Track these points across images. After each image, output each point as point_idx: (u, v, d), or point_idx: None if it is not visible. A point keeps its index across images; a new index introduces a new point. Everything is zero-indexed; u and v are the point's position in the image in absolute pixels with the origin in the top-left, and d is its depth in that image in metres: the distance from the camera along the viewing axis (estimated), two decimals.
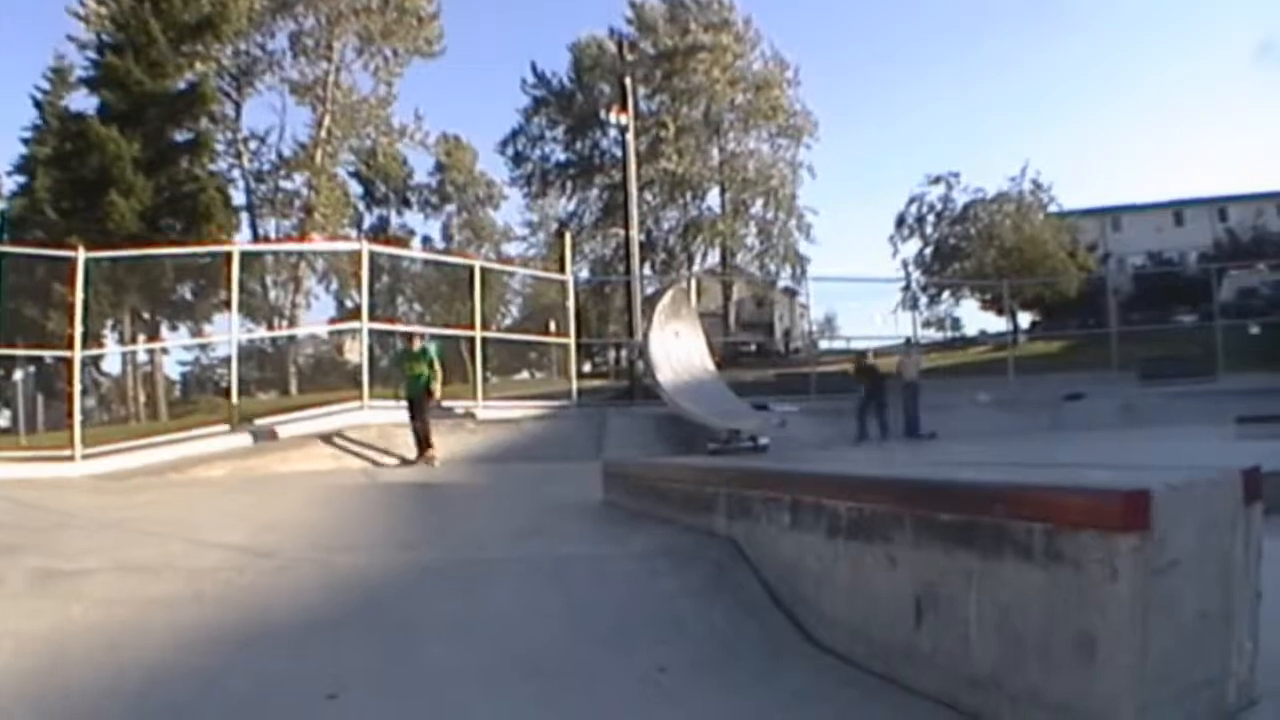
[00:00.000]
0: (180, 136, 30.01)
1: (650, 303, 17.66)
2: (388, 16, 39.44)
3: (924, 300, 36.26)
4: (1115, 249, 44.77)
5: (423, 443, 12.14)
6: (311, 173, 39.28)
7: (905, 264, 38.57)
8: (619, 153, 24.68)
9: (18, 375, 24.69)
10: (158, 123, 28.68)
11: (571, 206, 46.65)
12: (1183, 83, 79.45)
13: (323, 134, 39.58)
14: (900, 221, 40.00)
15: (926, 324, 35.91)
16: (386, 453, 12.48)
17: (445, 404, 13.36)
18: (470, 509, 7.66)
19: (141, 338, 28.44)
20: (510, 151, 46.02)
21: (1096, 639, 2.33)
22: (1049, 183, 37.68)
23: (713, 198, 44.92)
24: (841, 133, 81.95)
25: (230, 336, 15.15)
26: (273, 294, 38.51)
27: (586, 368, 32.37)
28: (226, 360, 16.78)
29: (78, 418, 11.93)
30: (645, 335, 16.00)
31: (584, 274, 41.27)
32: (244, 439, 12.53)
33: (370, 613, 3.82)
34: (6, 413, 26.17)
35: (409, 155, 44.48)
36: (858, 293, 48.02)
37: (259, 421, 13.45)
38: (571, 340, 17.43)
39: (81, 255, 11.98)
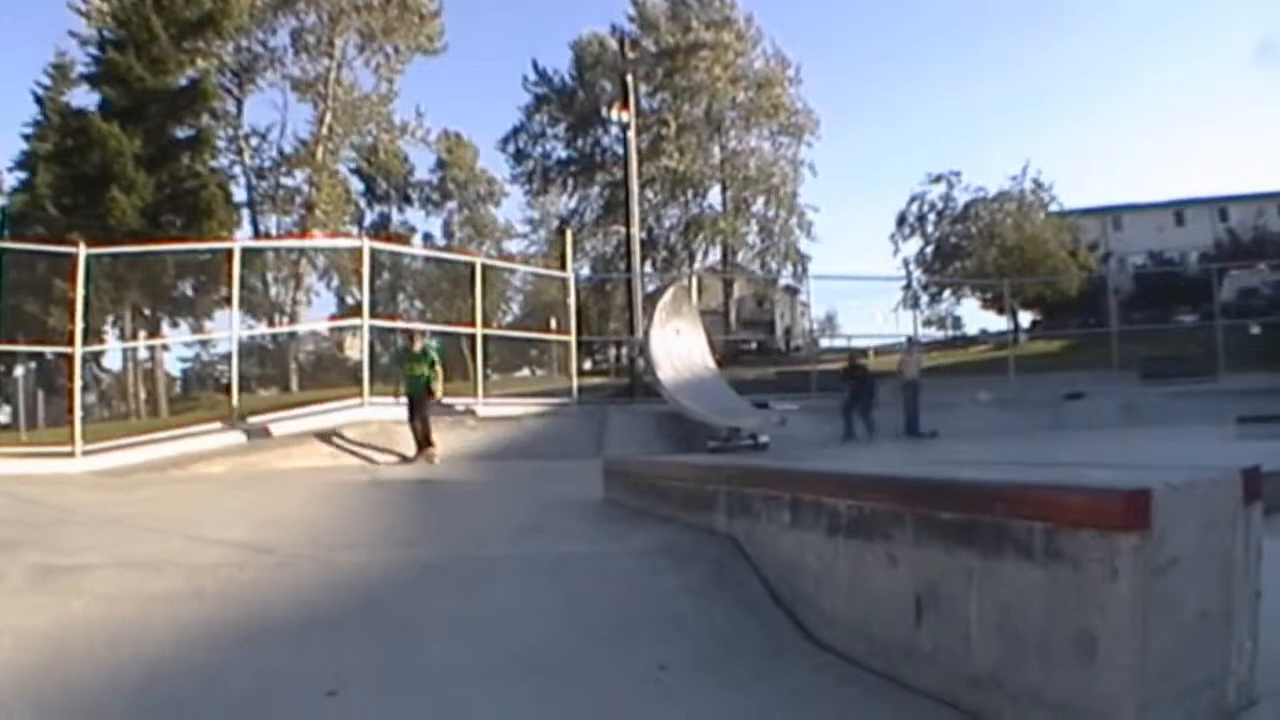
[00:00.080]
0: (181, 133, 29.97)
1: (651, 300, 17.67)
2: (389, 13, 39.39)
3: (925, 299, 36.29)
4: (1116, 248, 44.76)
5: (423, 440, 12.13)
6: (313, 169, 39.26)
7: (906, 262, 38.60)
8: (620, 150, 24.67)
9: (19, 371, 24.68)
10: (159, 119, 28.65)
11: (573, 204, 46.78)
12: (1183, 82, 79.41)
13: (324, 131, 39.54)
14: (901, 220, 40.00)
15: (927, 323, 35.97)
16: (387, 450, 12.49)
17: (445, 401, 13.35)
18: (470, 506, 7.67)
19: (142, 334, 28.42)
20: (511, 149, 46.13)
21: (1097, 638, 2.33)
22: (1050, 182, 37.71)
23: (714, 195, 45.02)
24: (843, 131, 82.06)
25: (231, 333, 15.15)
26: (274, 291, 38.50)
27: (587, 365, 32.37)
28: (227, 357, 16.80)
29: (78, 414, 11.92)
30: (646, 333, 15.99)
31: (585, 271, 41.30)
32: (245, 435, 12.54)
33: (370, 610, 3.82)
34: (7, 409, 26.17)
35: (410, 152, 44.51)
36: (859, 291, 47.98)
37: (260, 418, 13.45)
38: (572, 338, 17.43)
39: (82, 251, 11.98)
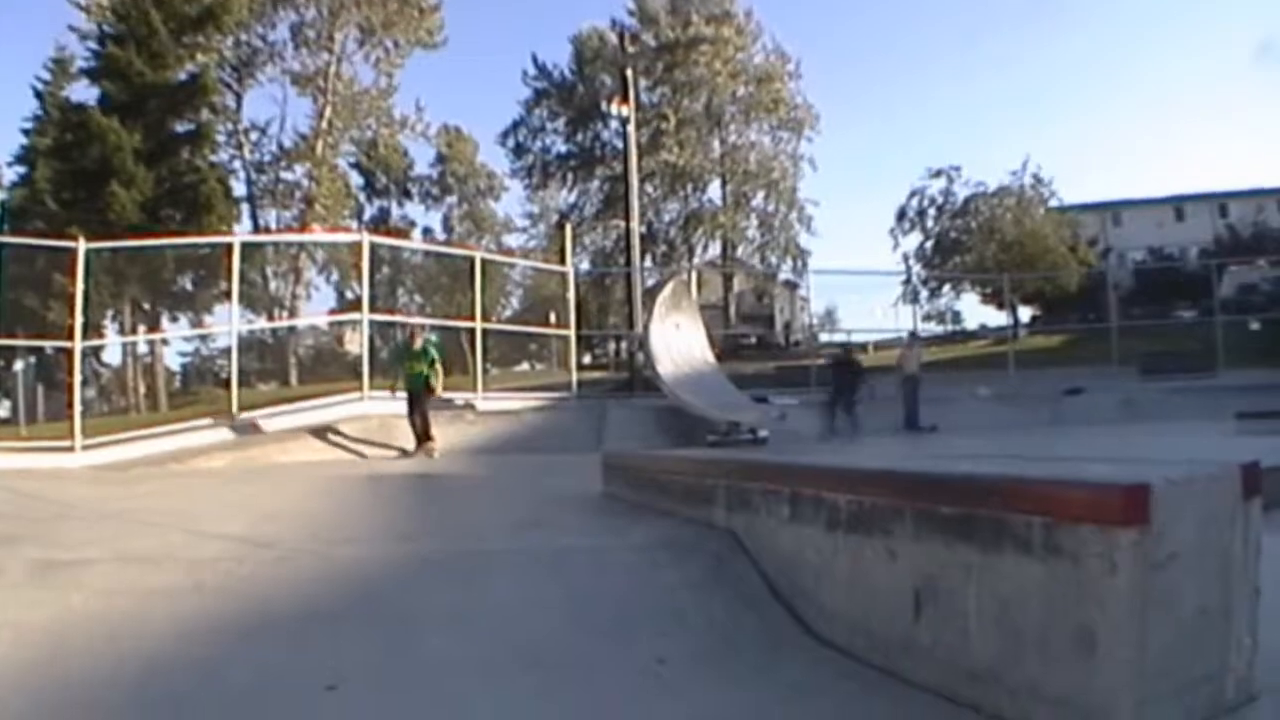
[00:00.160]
0: (181, 127, 29.97)
1: (651, 295, 17.67)
2: (389, 7, 39.37)
3: (924, 294, 36.36)
4: (1116, 244, 44.80)
5: (422, 435, 12.15)
6: (312, 164, 39.26)
7: (906, 257, 38.71)
8: (620, 144, 24.65)
9: (18, 366, 24.72)
10: (159, 114, 28.65)
11: (572, 198, 46.81)
12: (1183, 80, 79.57)
13: (323, 125, 39.53)
14: (901, 215, 40.05)
15: (927, 317, 36.01)
16: (386, 444, 12.48)
17: (445, 395, 13.36)
18: (470, 500, 7.67)
19: (142, 328, 28.42)
20: (511, 143, 46.16)
21: (1096, 633, 2.33)
22: (1050, 177, 37.76)
23: (714, 190, 45.08)
24: (843, 125, 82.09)
25: (231, 327, 15.15)
26: (273, 285, 38.54)
27: (586, 359, 32.38)
28: (227, 351, 16.80)
29: (78, 408, 11.92)
30: (645, 327, 15.99)
31: (584, 266, 41.39)
32: (244, 430, 12.54)
33: (370, 604, 3.82)
34: (7, 403, 26.18)
35: (410, 146, 44.57)
36: (858, 286, 47.97)
37: (259, 413, 13.44)
38: (572, 332, 17.43)
39: (82, 246, 11.97)
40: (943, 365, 22.68)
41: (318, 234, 36.87)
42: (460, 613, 3.70)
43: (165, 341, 30.71)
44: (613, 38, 38.57)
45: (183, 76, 30.02)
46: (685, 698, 3.04)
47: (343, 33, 39.52)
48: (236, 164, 37.59)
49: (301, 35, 39.28)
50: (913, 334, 20.11)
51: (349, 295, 37.95)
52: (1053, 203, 37.44)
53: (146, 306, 28.91)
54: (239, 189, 35.90)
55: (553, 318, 21.47)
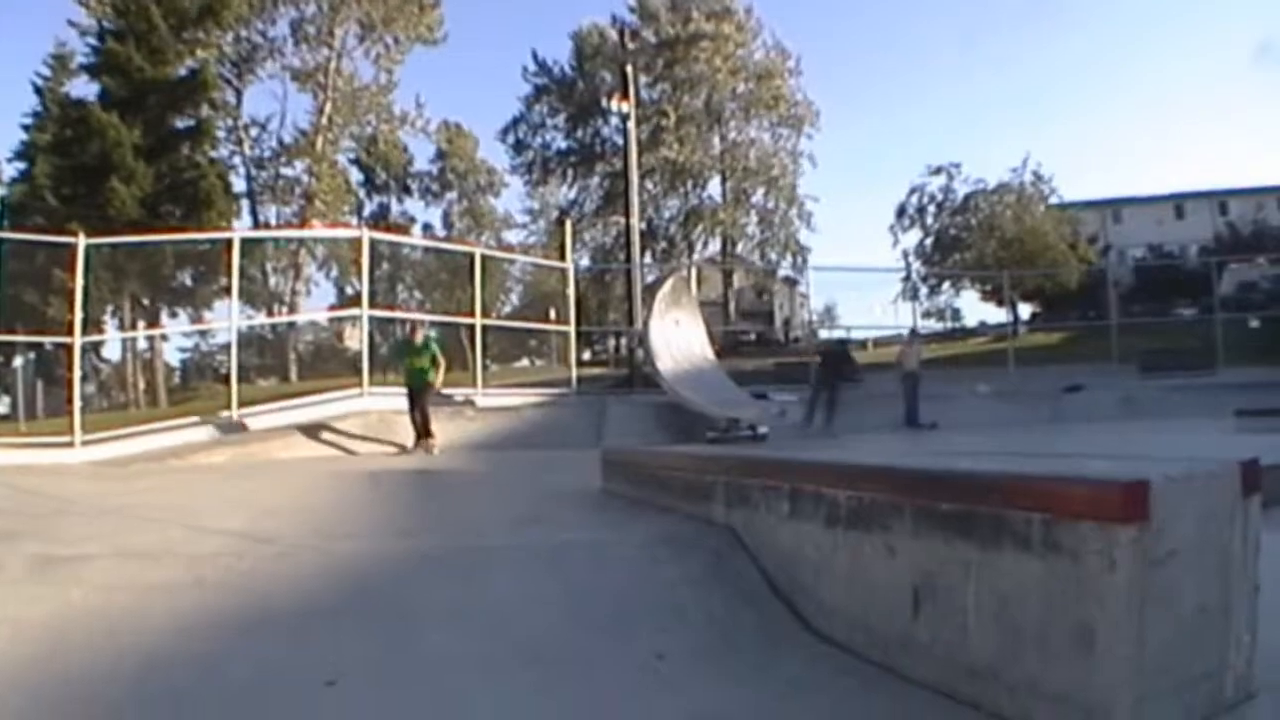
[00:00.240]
0: (181, 123, 29.90)
1: (651, 291, 17.66)
2: (389, 3, 39.33)
3: (924, 291, 36.28)
4: (1116, 241, 44.77)
5: (423, 431, 12.13)
6: (312, 160, 39.23)
7: (906, 254, 38.60)
8: (620, 141, 24.66)
9: (18, 361, 24.70)
10: (158, 109, 28.60)
11: (572, 194, 46.74)
12: (1182, 79, 79.71)
13: (323, 121, 39.50)
14: (901, 212, 39.92)
15: (926, 314, 35.89)
16: (386, 440, 12.48)
17: (445, 391, 13.35)
18: (469, 496, 7.67)
19: (141, 324, 28.40)
20: (511, 139, 46.07)
21: (1095, 630, 2.33)
22: (1050, 174, 37.64)
23: (713, 187, 45.01)
24: (843, 122, 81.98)
25: (230, 323, 15.15)
26: (273, 281, 38.54)
27: (586, 356, 32.36)
28: (226, 347, 16.76)
29: (77, 404, 11.93)
30: (645, 323, 15.99)
31: (584, 262, 41.34)
32: (244, 425, 12.54)
33: (369, 599, 3.82)
34: (6, 399, 26.18)
35: (410, 142, 44.47)
36: (858, 282, 47.80)
37: (259, 408, 13.44)
38: (571, 328, 17.42)
39: (82, 241, 11.96)
40: (943, 362, 22.70)
41: (318, 230, 36.88)
42: (460, 608, 3.70)
43: (165, 337, 30.78)
44: (613, 34, 38.51)
45: (183, 72, 29.95)
46: (684, 693, 3.04)
47: (343, 28, 39.49)
48: (236, 160, 37.62)
49: (301, 31, 39.24)
50: (913, 331, 20.10)
51: (349, 291, 37.97)
52: (1053, 200, 37.35)
53: (146, 302, 28.88)
54: (239, 185, 35.92)
55: (553, 314, 21.45)
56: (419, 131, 44.35)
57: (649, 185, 41.56)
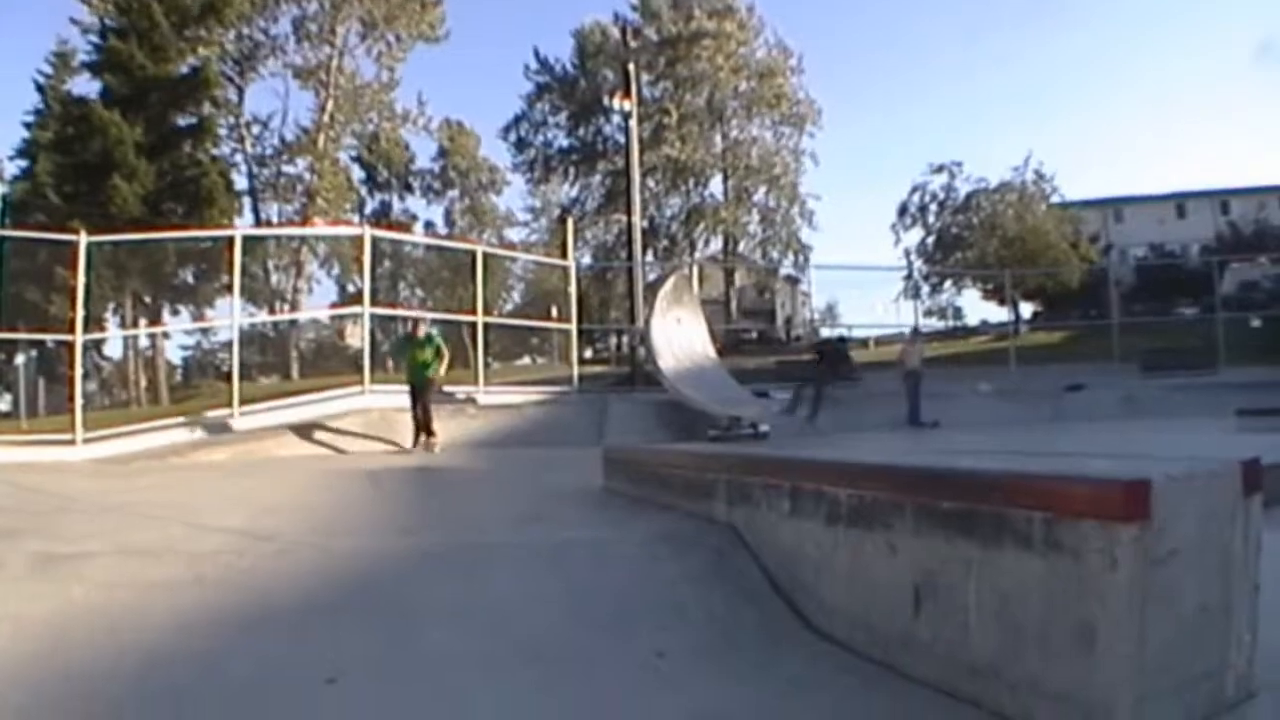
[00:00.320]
0: (183, 121, 29.94)
1: (652, 289, 17.63)
2: (391, 1, 39.26)
3: (926, 289, 36.30)
4: (1117, 240, 44.77)
5: (424, 428, 12.07)
6: (314, 157, 39.21)
7: (907, 253, 38.58)
8: (622, 139, 24.70)
9: (19, 359, 24.71)
10: (160, 107, 28.61)
11: (574, 192, 46.71)
12: (1183, 79, 79.77)
13: (325, 119, 39.46)
14: (903, 210, 39.91)
15: (928, 313, 35.93)
16: (388, 438, 12.48)
17: (446, 389, 13.35)
18: (470, 494, 7.67)
19: (143, 322, 28.43)
20: (513, 137, 46.05)
21: (1096, 629, 2.33)
22: (1051, 173, 37.61)
23: (715, 185, 45.00)
24: (845, 121, 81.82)
25: (232, 321, 15.16)
26: (274, 278, 38.52)
27: (588, 354, 32.39)
28: (228, 345, 16.79)
29: (79, 401, 11.93)
30: (647, 322, 15.97)
31: (586, 260, 41.31)
32: (245, 423, 12.54)
33: (370, 597, 3.82)
34: (8, 397, 26.20)
35: (411, 140, 44.46)
36: (859, 281, 47.78)
37: (260, 406, 13.44)
38: (573, 326, 17.40)
39: (83, 239, 11.96)
40: (944, 361, 22.67)
41: (319, 228, 36.84)
42: (461, 606, 3.70)
43: (166, 335, 30.75)
44: (615, 32, 38.46)
45: (184, 70, 29.96)
46: (685, 692, 3.04)
47: (344, 26, 39.44)
48: (238, 157, 37.60)
49: (303, 29, 39.19)
50: (915, 330, 20.10)
51: (350, 289, 37.96)
52: (1054, 199, 37.32)
53: (148, 300, 28.92)
54: (240, 182, 35.95)
55: (554, 312, 21.44)
56: (421, 129, 44.40)
57: (651, 183, 41.54)
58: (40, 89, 29.54)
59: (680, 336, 15.94)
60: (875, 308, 65.78)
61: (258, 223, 37.54)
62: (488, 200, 48.21)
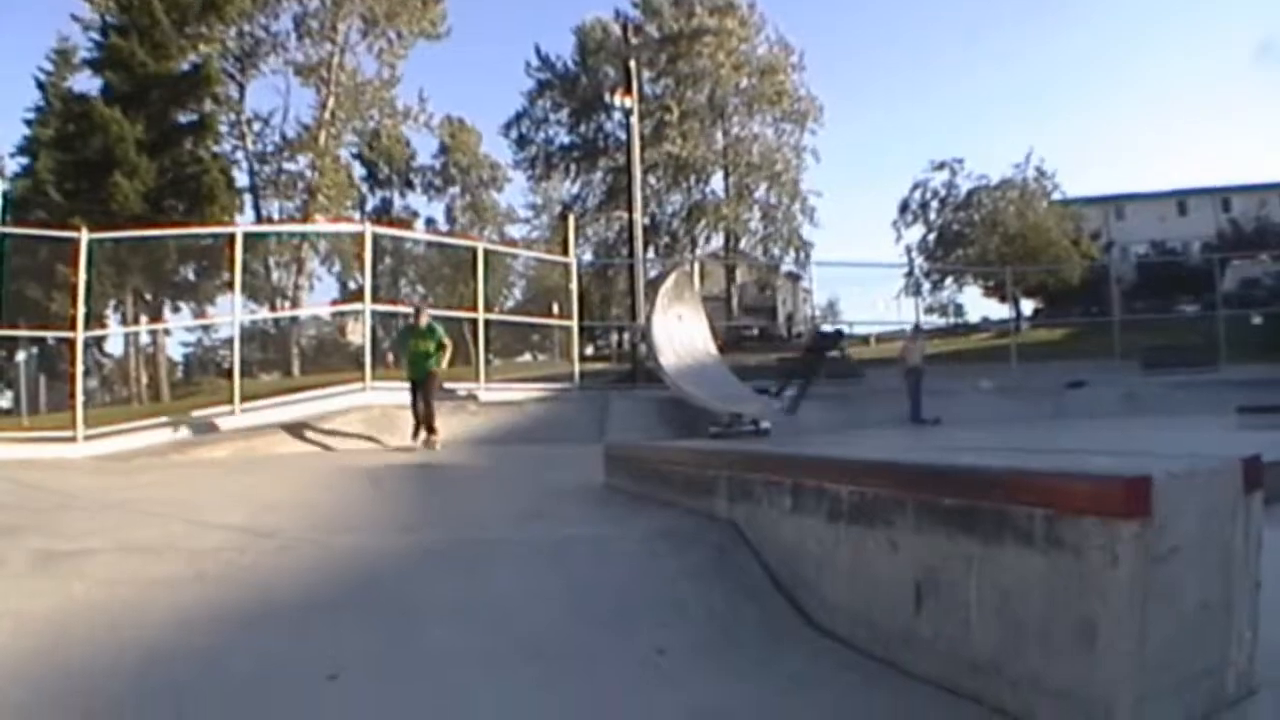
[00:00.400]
0: (184, 118, 29.91)
1: (653, 286, 17.59)
2: None
3: (927, 286, 36.31)
4: (1119, 237, 44.74)
5: (425, 425, 11.88)
6: (315, 154, 39.18)
7: (908, 250, 38.54)
8: (623, 136, 24.69)
9: (20, 356, 24.70)
10: (161, 104, 28.60)
11: (575, 189, 46.64)
12: (1185, 76, 79.77)
13: (326, 116, 39.42)
14: (904, 207, 39.88)
15: (929, 310, 35.96)
16: (389, 434, 12.48)
17: (447, 386, 13.33)
18: (471, 491, 7.67)
19: (144, 319, 28.43)
20: (514, 134, 45.99)
21: (1097, 625, 2.33)
22: (1053, 170, 37.57)
23: (717, 182, 44.92)
24: (846, 118, 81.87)
25: (233, 318, 15.16)
26: (275, 275, 38.49)
27: (589, 350, 32.37)
28: (229, 341, 16.81)
29: (80, 399, 11.93)
30: (648, 318, 15.95)
31: (587, 257, 41.19)
32: (246, 420, 12.54)
33: (371, 594, 3.82)
34: (9, 394, 26.20)
35: (412, 137, 44.45)
36: (861, 278, 48.02)
37: (261, 403, 13.44)
38: (574, 323, 17.40)
39: (84, 236, 11.95)
40: (945, 358, 22.65)
41: (320, 224, 36.85)
42: (462, 603, 3.70)
43: (167, 332, 30.78)
44: (616, 29, 38.43)
45: (185, 67, 29.94)
46: (686, 688, 3.04)
47: (346, 23, 39.38)
48: (239, 154, 37.56)
49: (304, 25, 39.13)
50: (916, 326, 20.10)
51: (351, 285, 37.92)
52: (1055, 196, 37.26)
53: (149, 297, 28.91)
54: (241, 179, 35.93)
55: (555, 309, 21.45)
56: (422, 126, 44.34)
57: (652, 180, 41.47)
58: (41, 86, 29.56)
59: (681, 333, 15.93)
60: (876, 304, 66.10)
61: (259, 220, 37.55)
62: (489, 197, 48.24)
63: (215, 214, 27.13)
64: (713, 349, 17.09)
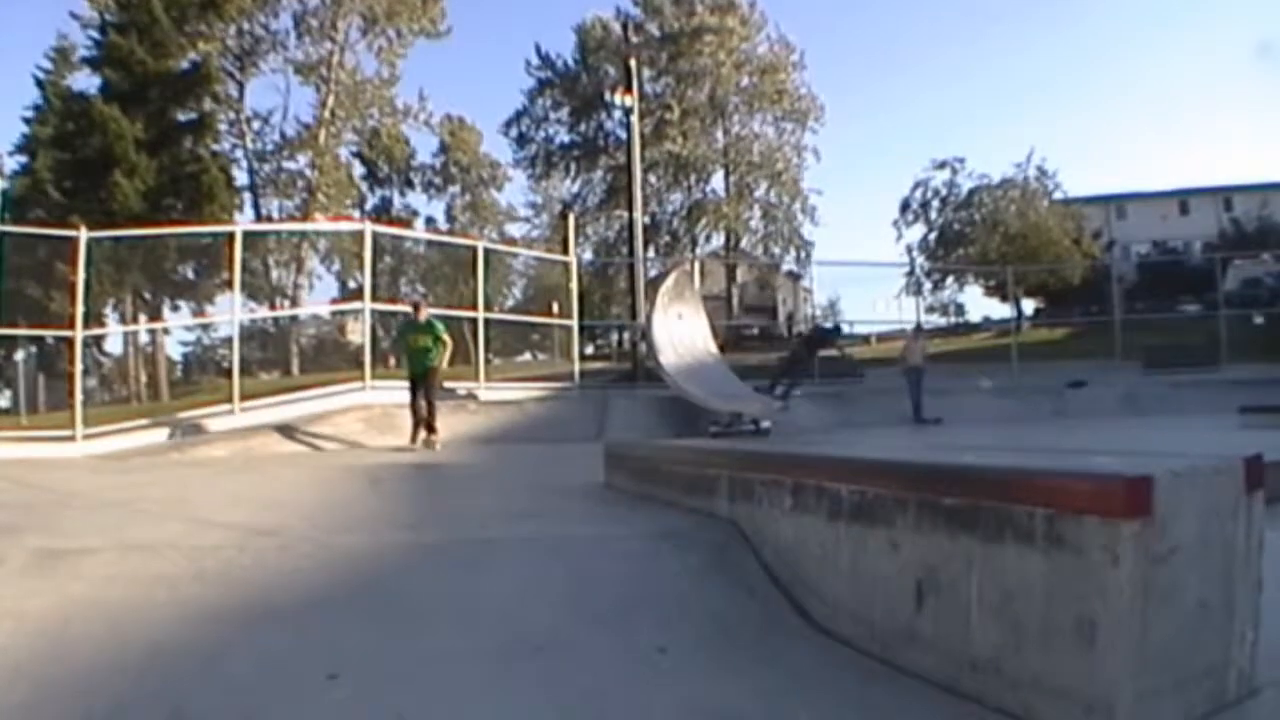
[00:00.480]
0: (183, 116, 29.94)
1: (654, 285, 17.59)
2: None
3: (928, 285, 36.31)
4: (1120, 237, 44.73)
5: (426, 424, 11.73)
6: (315, 153, 39.21)
7: (909, 249, 38.61)
8: (623, 135, 24.68)
9: (19, 355, 24.72)
10: (161, 103, 28.62)
11: (575, 188, 46.67)
12: (1186, 76, 79.79)
13: (326, 114, 39.44)
14: (905, 206, 39.94)
15: (930, 309, 35.98)
16: (389, 434, 12.48)
17: (447, 385, 13.33)
18: (472, 490, 7.66)
19: (143, 318, 28.47)
20: (514, 133, 45.97)
21: (1097, 625, 2.33)
22: (1054, 169, 37.61)
23: (717, 181, 44.93)
24: (846, 117, 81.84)
25: (232, 317, 15.15)
26: (275, 274, 38.53)
27: (589, 350, 32.39)
28: (228, 340, 16.80)
29: (79, 398, 11.94)
30: (648, 317, 15.94)
31: (587, 256, 41.18)
32: (246, 419, 12.54)
33: (371, 592, 3.82)
34: (7, 393, 26.23)
35: (413, 136, 44.53)
36: (861, 277, 48.15)
37: (261, 402, 13.45)
38: (574, 322, 17.41)
39: (83, 235, 11.95)
40: (946, 358, 22.66)
41: (320, 223, 36.84)
42: (462, 601, 3.69)
43: (167, 331, 30.79)
44: (616, 27, 38.54)
45: (185, 65, 29.99)
46: (686, 687, 3.04)
47: (346, 22, 39.41)
48: (239, 153, 37.63)
49: (304, 24, 39.17)
50: (917, 326, 20.11)
51: (351, 284, 37.97)
52: (1057, 195, 37.31)
53: (148, 296, 28.93)
54: (241, 178, 36.00)
55: (555, 308, 21.45)
56: (422, 125, 44.42)
57: (652, 179, 41.46)
58: (40, 84, 29.54)
59: (682, 332, 15.91)
60: (877, 304, 66.00)
61: (258, 218, 37.61)
62: (489, 196, 48.30)
63: (215, 213, 27.16)
64: (713, 348, 17.08)
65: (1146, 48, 78.57)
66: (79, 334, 12.26)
